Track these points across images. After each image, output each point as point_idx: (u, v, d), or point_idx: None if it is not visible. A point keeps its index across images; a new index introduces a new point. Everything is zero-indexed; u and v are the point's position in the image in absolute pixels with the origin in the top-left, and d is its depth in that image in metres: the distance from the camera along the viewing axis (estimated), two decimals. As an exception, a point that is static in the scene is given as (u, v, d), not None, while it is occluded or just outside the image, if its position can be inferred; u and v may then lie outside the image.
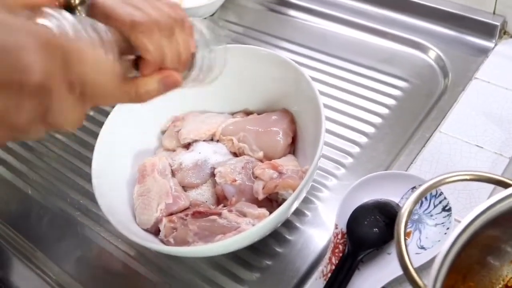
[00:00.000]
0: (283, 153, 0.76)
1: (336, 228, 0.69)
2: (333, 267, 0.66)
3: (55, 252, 0.79)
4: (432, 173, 0.75)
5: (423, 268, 0.62)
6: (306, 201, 0.76)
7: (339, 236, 0.69)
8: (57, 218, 0.83)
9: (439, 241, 0.65)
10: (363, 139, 0.83)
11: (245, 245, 0.67)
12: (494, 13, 0.92)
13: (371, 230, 0.67)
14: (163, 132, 0.84)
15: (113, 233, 0.78)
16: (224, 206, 0.72)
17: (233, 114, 0.85)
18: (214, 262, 0.73)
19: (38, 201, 0.86)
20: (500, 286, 0.55)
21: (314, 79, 0.75)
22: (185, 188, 0.76)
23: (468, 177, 0.56)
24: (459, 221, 0.48)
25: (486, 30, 0.92)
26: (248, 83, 0.80)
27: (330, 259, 0.67)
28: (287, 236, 0.73)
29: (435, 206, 0.68)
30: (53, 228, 0.82)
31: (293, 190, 0.66)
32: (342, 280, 0.64)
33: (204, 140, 0.80)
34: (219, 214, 0.68)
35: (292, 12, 1.09)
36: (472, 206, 0.70)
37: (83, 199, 0.84)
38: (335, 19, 1.03)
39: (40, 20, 0.41)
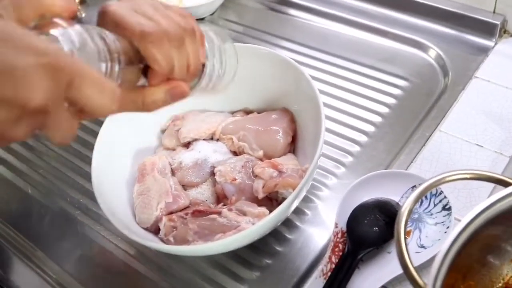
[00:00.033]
0: (283, 152, 0.76)
1: (336, 227, 0.69)
2: (333, 266, 0.66)
3: (55, 251, 0.79)
4: (432, 172, 0.75)
5: (423, 267, 0.62)
6: (306, 200, 0.76)
7: (339, 235, 0.69)
8: (57, 217, 0.83)
9: (439, 240, 0.65)
10: (363, 138, 0.83)
11: (245, 244, 0.67)
12: (494, 12, 0.92)
13: (371, 229, 0.67)
14: (163, 131, 0.84)
15: (113, 232, 0.78)
16: (224, 205, 0.72)
17: (233, 113, 0.85)
18: (214, 261, 0.73)
19: (38, 200, 0.86)
20: (500, 285, 0.55)
21: (314, 78, 0.75)
22: (185, 187, 0.76)
23: (468, 176, 0.56)
24: (459, 220, 0.48)
25: (486, 29, 0.92)
26: (248, 82, 0.80)
27: (330, 258, 0.67)
28: (287, 235, 0.73)
29: (435, 205, 0.68)
30: (53, 227, 0.82)
31: (293, 189, 0.66)
32: (342, 279, 0.64)
33: (204, 139, 0.80)
34: (219, 213, 0.68)
35: (292, 11, 1.09)
36: (472, 205, 0.70)
37: (83, 198, 0.84)
38: (335, 18, 1.03)
39: (51, 33, 0.41)
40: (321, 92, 0.73)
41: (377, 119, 0.85)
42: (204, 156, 0.77)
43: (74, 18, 0.45)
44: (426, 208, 0.68)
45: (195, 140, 0.80)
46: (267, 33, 1.05)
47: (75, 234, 0.80)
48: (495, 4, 0.91)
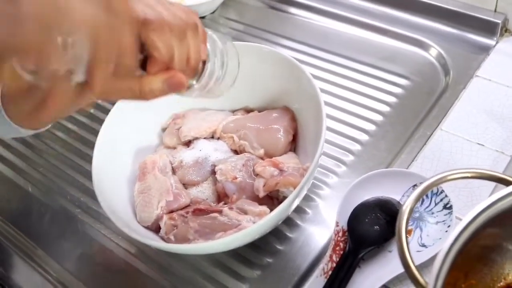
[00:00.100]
0: (284, 151, 0.76)
1: (337, 225, 0.69)
2: (334, 264, 0.66)
3: (56, 250, 0.79)
4: (433, 171, 0.75)
5: (424, 266, 0.62)
6: (307, 198, 0.76)
7: (340, 234, 0.68)
8: (58, 216, 0.83)
9: (440, 239, 0.65)
10: (364, 137, 0.83)
11: (245, 243, 0.67)
12: (495, 10, 0.92)
13: (372, 228, 0.67)
14: (163, 130, 0.84)
15: (114, 231, 0.78)
16: (225, 204, 0.72)
17: (233, 111, 0.85)
18: (215, 259, 0.73)
19: (38, 198, 0.86)
20: (501, 284, 0.55)
21: (315, 76, 0.75)
22: (185, 185, 0.76)
23: (469, 175, 0.56)
24: (460, 219, 0.48)
25: (488, 28, 0.92)
26: (249, 81, 0.80)
27: (331, 256, 0.67)
28: (288, 234, 0.73)
29: (436, 204, 0.68)
30: (53, 225, 0.82)
31: (294, 188, 0.66)
32: (343, 278, 0.64)
33: (204, 138, 0.80)
34: (220, 212, 0.68)
35: (293, 10, 1.09)
36: (473, 204, 0.70)
37: (83, 196, 0.84)
38: (336, 16, 1.03)
39: None
40: (322, 90, 0.73)
41: (378, 117, 0.85)
42: (205, 154, 0.77)
43: None
44: (427, 207, 0.68)
45: (196, 138, 0.80)
46: (268, 32, 1.05)
47: (76, 233, 0.80)
48: (496, 3, 0.91)
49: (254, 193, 0.72)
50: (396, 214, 0.55)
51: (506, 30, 0.92)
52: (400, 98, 0.87)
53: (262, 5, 1.12)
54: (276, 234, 0.73)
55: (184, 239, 0.68)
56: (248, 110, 0.84)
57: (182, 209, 0.72)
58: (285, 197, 0.70)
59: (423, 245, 0.66)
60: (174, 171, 0.77)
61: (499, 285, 0.55)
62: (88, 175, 0.72)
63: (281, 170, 0.71)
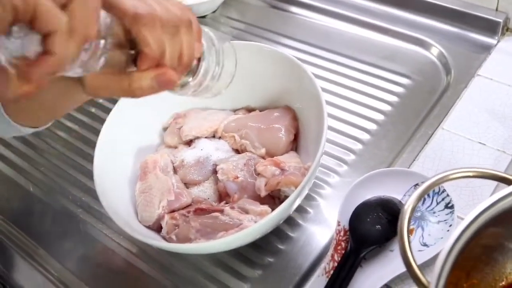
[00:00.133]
0: (285, 150, 0.76)
1: (339, 225, 0.69)
2: (336, 264, 0.66)
3: (57, 250, 0.79)
4: (435, 170, 0.75)
5: (426, 265, 0.62)
6: (308, 198, 0.76)
7: (342, 233, 0.68)
8: (59, 216, 0.83)
9: (441, 238, 0.65)
10: (365, 136, 0.83)
11: (247, 242, 0.67)
12: (496, 9, 0.91)
13: (373, 227, 0.67)
14: (165, 129, 0.84)
15: (115, 230, 0.78)
16: (226, 203, 0.72)
17: (235, 110, 0.85)
18: (216, 259, 0.73)
19: (39, 198, 0.86)
20: (503, 283, 0.55)
21: (316, 76, 0.75)
22: (187, 185, 0.76)
23: (471, 174, 0.56)
24: (461, 218, 0.48)
25: (489, 27, 0.92)
26: (250, 80, 0.80)
27: (332, 256, 0.67)
28: (289, 233, 0.73)
29: (437, 203, 0.68)
30: (55, 225, 0.82)
31: (295, 187, 0.66)
32: (344, 277, 0.64)
33: (206, 137, 0.80)
34: (221, 211, 0.68)
35: (294, 9, 1.09)
36: (475, 203, 0.70)
37: (85, 196, 0.84)
38: (337, 16, 1.03)
39: None
40: (323, 90, 0.73)
41: (379, 117, 0.85)
42: (206, 154, 0.77)
43: None
44: (428, 206, 0.68)
45: (197, 138, 0.80)
46: (269, 31, 1.05)
47: (77, 233, 0.80)
48: (498, 2, 0.90)
49: (256, 192, 0.71)
50: (397, 214, 0.55)
51: (507, 29, 0.92)
52: (401, 97, 0.87)
53: (263, 4, 1.12)
54: (278, 234, 0.73)
55: (186, 239, 0.68)
56: (249, 110, 0.84)
57: (183, 208, 0.72)
58: (286, 197, 0.70)
59: (425, 245, 0.66)
60: (175, 171, 0.77)
61: (501, 284, 0.55)
62: (90, 174, 0.72)
63: (283, 170, 0.71)
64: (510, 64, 0.87)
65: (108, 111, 0.78)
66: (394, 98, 0.87)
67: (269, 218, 0.62)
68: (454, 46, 0.92)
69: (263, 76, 0.80)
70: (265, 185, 0.70)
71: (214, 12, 1.12)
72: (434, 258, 0.63)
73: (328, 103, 0.72)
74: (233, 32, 1.06)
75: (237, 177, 0.72)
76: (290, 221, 0.74)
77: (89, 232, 0.80)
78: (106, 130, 0.75)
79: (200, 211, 0.70)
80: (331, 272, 0.66)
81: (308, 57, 0.97)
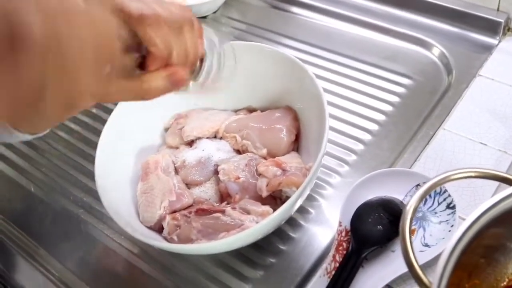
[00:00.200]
0: (286, 150, 0.76)
1: (340, 225, 0.69)
2: (337, 264, 0.66)
3: (58, 250, 0.79)
4: (436, 171, 0.75)
5: (427, 266, 0.62)
6: (309, 198, 0.76)
7: (343, 234, 0.68)
8: (60, 216, 0.83)
9: (443, 238, 0.65)
10: (367, 137, 0.82)
11: (248, 243, 0.67)
12: (498, 9, 0.91)
13: (375, 228, 0.67)
14: (166, 130, 0.84)
15: (117, 231, 0.78)
16: (228, 204, 0.72)
17: (236, 111, 0.85)
18: (218, 259, 0.73)
19: (41, 198, 0.86)
20: (505, 283, 0.55)
21: (317, 76, 0.75)
22: (188, 185, 0.76)
23: (473, 174, 0.56)
24: (463, 219, 0.48)
25: (490, 27, 0.91)
26: (251, 80, 0.80)
27: (334, 256, 0.67)
28: (291, 234, 0.73)
29: (439, 204, 0.68)
30: (56, 225, 0.82)
31: (297, 188, 0.66)
32: (346, 278, 0.64)
33: (207, 137, 0.80)
34: (223, 212, 0.68)
35: (295, 9, 1.09)
36: (476, 203, 0.70)
37: (86, 196, 0.84)
38: (338, 16, 1.03)
39: None
40: (325, 90, 0.73)
41: (380, 117, 0.85)
42: (207, 154, 0.77)
43: None
44: (430, 207, 0.68)
45: (199, 138, 0.80)
46: (270, 31, 1.05)
47: (78, 233, 0.80)
48: (499, 2, 0.90)
49: (257, 193, 0.71)
50: (399, 214, 0.55)
51: (508, 29, 0.92)
52: (402, 98, 0.87)
53: (264, 5, 1.12)
54: (279, 234, 0.73)
55: (187, 239, 0.68)
56: (250, 110, 0.84)
57: (185, 209, 0.72)
58: (288, 197, 0.70)
59: (426, 245, 0.66)
60: (176, 171, 0.77)
61: (502, 284, 0.55)
62: (91, 175, 0.72)
63: (284, 170, 0.71)
64: (511, 64, 0.87)
65: (109, 111, 0.77)
66: (395, 99, 0.87)
67: (270, 219, 0.62)
68: (455, 46, 0.92)
69: (264, 76, 0.80)
70: (267, 185, 0.70)
71: (215, 12, 1.12)
72: (435, 259, 0.62)
73: (329, 103, 0.72)
74: (234, 33, 1.06)
75: (239, 178, 0.72)
76: (291, 222, 0.74)
77: (90, 232, 0.80)
78: (107, 131, 0.75)
79: (202, 212, 0.70)
80: (333, 272, 0.66)
81: (309, 57, 0.97)
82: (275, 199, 0.72)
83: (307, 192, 0.69)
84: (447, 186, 0.66)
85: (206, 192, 0.75)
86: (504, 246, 0.54)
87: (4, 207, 0.87)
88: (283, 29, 1.05)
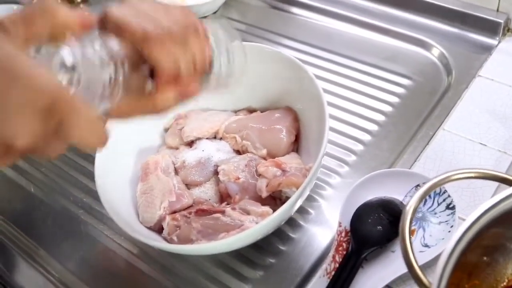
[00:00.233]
0: (286, 151, 0.76)
1: (340, 226, 0.69)
2: (337, 265, 0.66)
3: (58, 251, 0.79)
4: (436, 171, 0.75)
5: (427, 266, 0.62)
6: (309, 199, 0.76)
7: (343, 234, 0.68)
8: (60, 217, 0.83)
9: (443, 239, 0.65)
10: (366, 137, 0.83)
11: (248, 243, 0.67)
12: (497, 10, 0.91)
13: (374, 228, 0.67)
14: (166, 130, 0.84)
15: (116, 231, 0.78)
16: (228, 204, 0.72)
17: (236, 111, 0.85)
18: (218, 260, 0.72)
19: (41, 199, 0.86)
20: (505, 284, 0.55)
21: (317, 77, 0.75)
22: (188, 186, 0.76)
23: (473, 175, 0.56)
24: (463, 219, 0.48)
25: (490, 28, 0.92)
26: (251, 81, 0.80)
27: (333, 257, 0.67)
28: (291, 234, 0.73)
29: (439, 204, 0.68)
30: (56, 226, 0.82)
31: (297, 188, 0.66)
32: (345, 278, 0.64)
33: (207, 138, 0.80)
34: (223, 212, 0.68)
35: (295, 10, 1.09)
36: (476, 204, 0.70)
37: (86, 197, 0.84)
38: (338, 16, 1.03)
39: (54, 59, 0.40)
40: (325, 90, 0.73)
41: (380, 118, 0.85)
42: (207, 155, 0.77)
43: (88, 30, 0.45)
44: (430, 207, 0.68)
45: (198, 139, 0.80)
46: (270, 32, 1.05)
47: (78, 233, 0.80)
48: (499, 2, 0.90)
49: (257, 193, 0.71)
50: (399, 214, 0.55)
51: (508, 30, 0.92)
52: (402, 98, 0.87)
53: (264, 5, 1.12)
54: (279, 235, 0.73)
55: (187, 240, 0.68)
56: (250, 110, 0.84)
57: (184, 209, 0.72)
58: (287, 198, 0.70)
59: (426, 245, 0.66)
60: (176, 172, 0.77)
61: (502, 285, 0.55)
62: (91, 175, 0.72)
63: (284, 171, 0.71)
64: (511, 64, 0.87)
65: (109, 112, 0.77)
66: (395, 99, 0.87)
67: (270, 219, 0.62)
68: (455, 47, 0.92)
69: (264, 77, 0.80)
70: (267, 186, 0.70)
71: (215, 13, 1.12)
72: (435, 259, 0.62)
73: (329, 104, 0.72)
74: (233, 33, 1.06)
75: (238, 178, 0.72)
76: (291, 222, 0.74)
77: (90, 233, 0.80)
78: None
79: (202, 212, 0.70)
80: (333, 273, 0.66)
81: (309, 58, 0.97)
82: (275, 199, 0.72)
83: (307, 192, 0.69)
84: (447, 186, 0.66)
85: (206, 192, 0.75)
86: (504, 247, 0.54)
87: (4, 208, 0.87)
88: (283, 30, 1.05)
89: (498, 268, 0.54)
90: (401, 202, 0.69)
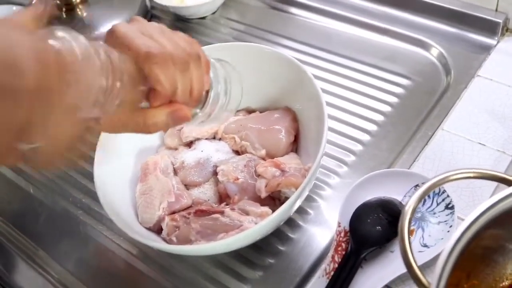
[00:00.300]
0: (285, 151, 0.76)
1: (339, 226, 0.69)
2: (336, 265, 0.66)
3: (57, 251, 0.79)
4: (435, 171, 0.75)
5: (426, 266, 0.62)
6: (308, 199, 0.76)
7: (342, 234, 0.68)
8: (59, 217, 0.83)
9: (442, 239, 0.65)
10: (365, 137, 0.83)
11: (247, 244, 0.67)
12: (496, 10, 0.91)
13: (374, 228, 0.67)
14: (165, 130, 0.84)
15: (116, 232, 0.78)
16: (227, 205, 0.72)
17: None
18: (217, 260, 0.73)
19: (40, 199, 0.86)
20: (504, 284, 0.55)
21: (316, 77, 0.75)
22: (187, 186, 0.76)
23: (472, 175, 0.56)
24: (462, 219, 0.48)
25: (489, 28, 0.91)
26: (250, 81, 0.80)
27: (333, 257, 0.67)
28: (290, 235, 0.73)
29: (438, 204, 0.68)
30: (55, 227, 0.82)
31: (296, 188, 0.66)
32: (345, 278, 0.64)
33: (206, 138, 0.80)
34: (222, 213, 0.68)
35: (294, 10, 1.09)
36: (475, 204, 0.70)
37: (85, 197, 0.84)
38: (337, 17, 1.03)
39: (50, 41, 0.41)
40: (323, 91, 0.73)
41: (379, 118, 0.85)
42: (206, 155, 0.77)
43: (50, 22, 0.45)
44: (429, 207, 0.68)
45: (197, 139, 0.80)
46: (269, 32, 1.05)
47: (77, 234, 0.80)
48: (497, 2, 0.90)
49: (256, 194, 0.71)
50: (398, 215, 0.55)
51: (507, 30, 0.92)
52: (401, 98, 0.87)
53: (263, 5, 1.12)
54: (278, 235, 0.73)
55: (186, 240, 0.68)
56: (249, 111, 0.84)
57: (184, 210, 0.72)
58: (287, 198, 0.70)
59: (425, 245, 0.66)
60: (175, 172, 0.77)
61: (501, 285, 0.55)
62: (90, 176, 0.72)
63: (283, 171, 0.71)
64: (509, 64, 0.87)
65: (108, 112, 0.77)
66: (394, 99, 0.87)
67: (269, 220, 0.62)
68: (453, 47, 0.92)
69: (263, 77, 0.80)
70: (266, 186, 0.70)
71: (214, 13, 1.12)
72: (434, 259, 0.63)
73: (328, 104, 0.72)
74: (233, 33, 1.06)
75: (238, 179, 0.72)
76: (290, 222, 0.74)
77: (89, 233, 0.80)
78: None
79: (201, 213, 0.70)
80: (332, 273, 0.66)
81: (308, 58, 0.97)
82: (274, 200, 0.72)
83: (306, 193, 0.69)
84: (446, 186, 0.66)
85: (205, 193, 0.75)
86: (503, 247, 0.54)
87: (3, 209, 0.87)
88: (282, 30, 1.05)
89: (497, 268, 0.54)
90: (400, 202, 0.69)
